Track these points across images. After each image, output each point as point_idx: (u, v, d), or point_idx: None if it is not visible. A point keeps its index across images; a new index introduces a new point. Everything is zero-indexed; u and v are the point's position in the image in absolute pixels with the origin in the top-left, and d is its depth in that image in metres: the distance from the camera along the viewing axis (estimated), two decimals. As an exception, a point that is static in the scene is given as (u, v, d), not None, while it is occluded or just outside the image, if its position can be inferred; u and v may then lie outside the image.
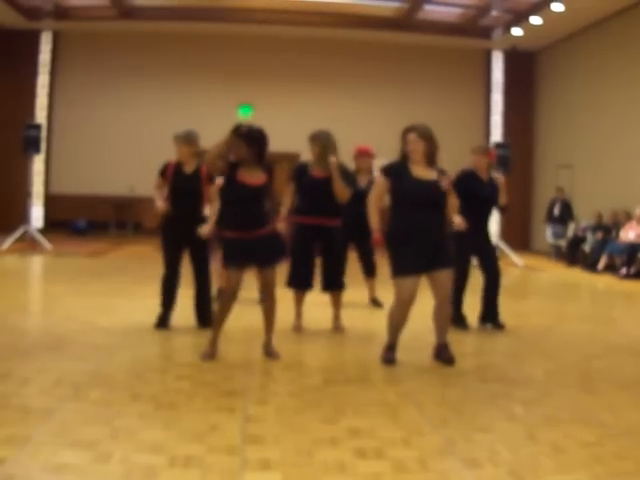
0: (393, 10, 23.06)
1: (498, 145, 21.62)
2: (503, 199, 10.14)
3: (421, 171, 7.79)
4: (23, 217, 20.93)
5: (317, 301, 10.60)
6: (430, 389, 6.95)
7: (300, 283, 9.56)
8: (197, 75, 25.01)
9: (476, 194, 9.63)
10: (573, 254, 20.22)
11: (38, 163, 23.90)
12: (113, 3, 22.46)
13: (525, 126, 25.76)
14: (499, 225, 21.91)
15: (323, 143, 9.37)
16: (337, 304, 9.69)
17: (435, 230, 7.74)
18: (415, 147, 7.78)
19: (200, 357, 7.71)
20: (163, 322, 9.18)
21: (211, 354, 7.73)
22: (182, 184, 9.17)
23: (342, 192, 9.25)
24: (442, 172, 7.89)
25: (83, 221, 24.49)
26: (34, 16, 23.20)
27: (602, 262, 18.54)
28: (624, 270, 17.64)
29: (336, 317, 9.69)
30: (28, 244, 19.83)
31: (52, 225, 24.29)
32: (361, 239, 10.96)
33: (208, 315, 9.17)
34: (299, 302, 9.66)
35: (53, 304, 11.31)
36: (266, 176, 7.79)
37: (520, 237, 24.72)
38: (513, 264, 19.68)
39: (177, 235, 9.18)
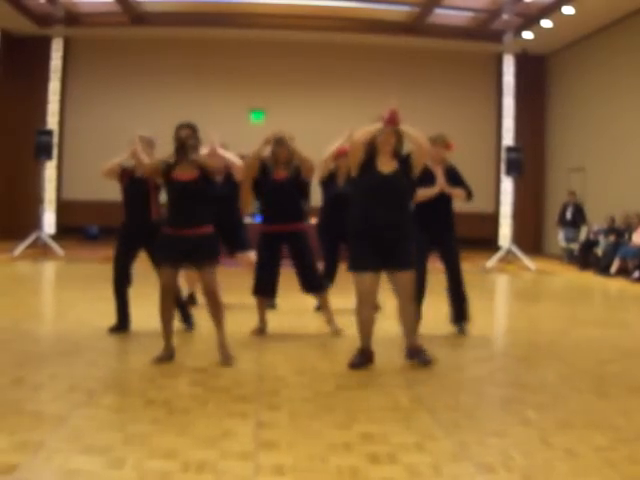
0: (404, 14, 23.06)
1: (510, 149, 21.61)
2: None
3: (386, 163, 7.76)
4: (35, 223, 21.00)
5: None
6: (443, 394, 6.93)
7: (263, 291, 9.49)
8: (209, 81, 25.05)
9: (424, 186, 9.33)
10: (585, 258, 20.18)
11: (50, 169, 23.93)
12: (124, 9, 22.52)
13: (537, 129, 25.73)
14: (511, 229, 21.89)
15: (286, 145, 9.44)
16: (325, 306, 9.64)
17: (393, 227, 7.68)
18: (389, 139, 7.76)
19: (154, 359, 7.76)
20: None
21: (165, 356, 7.83)
22: (135, 189, 9.22)
23: (307, 163, 9.41)
24: (404, 159, 7.89)
25: (95, 227, 24.55)
26: (45, 22, 23.28)
27: (615, 266, 18.48)
28: (637, 273, 17.59)
29: (329, 320, 9.63)
30: (40, 250, 19.87)
31: (64, 231, 24.35)
32: (336, 247, 10.90)
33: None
34: (261, 307, 9.56)
35: (66, 310, 11.33)
36: (198, 172, 7.82)
37: (532, 241, 24.69)
38: (526, 268, 19.66)
39: (132, 243, 9.25)
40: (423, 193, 9.13)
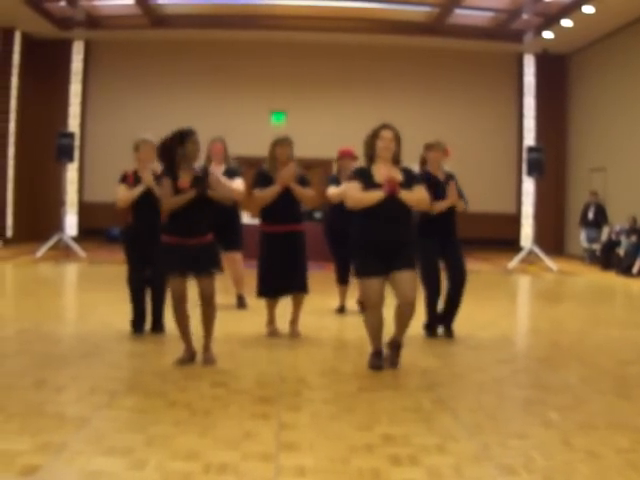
0: (424, 15, 23.03)
1: (531, 149, 21.53)
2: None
3: (385, 172, 7.73)
4: (57, 225, 21.09)
5: (350, 309, 10.67)
6: (464, 395, 6.93)
7: (269, 291, 9.47)
8: (229, 83, 25.08)
9: (435, 195, 9.32)
10: (607, 258, 20.07)
11: (72, 171, 24.05)
12: (144, 12, 22.57)
13: (558, 129, 25.64)
14: (533, 229, 21.81)
15: (292, 146, 9.45)
16: (298, 307, 9.60)
17: (395, 238, 7.67)
18: (389, 145, 7.74)
19: (176, 361, 7.77)
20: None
21: (186, 357, 7.86)
22: (145, 193, 9.18)
23: (311, 200, 9.48)
24: (408, 171, 7.89)
25: (117, 229, 24.59)
26: (66, 26, 23.36)
27: (637, 266, 18.38)
28: (659, 274, 17.51)
29: (293, 321, 9.62)
30: (62, 252, 19.95)
31: (86, 233, 24.43)
32: (343, 245, 10.54)
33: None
34: (271, 308, 9.59)
35: (87, 311, 11.38)
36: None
37: (554, 241, 24.61)
38: (547, 269, 19.58)
39: (142, 246, 9.19)
40: (439, 206, 9.17)
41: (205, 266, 7.80)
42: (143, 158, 9.32)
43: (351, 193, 7.79)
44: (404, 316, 7.76)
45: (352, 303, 11.25)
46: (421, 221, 9.25)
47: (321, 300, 11.15)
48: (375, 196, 7.62)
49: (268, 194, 9.26)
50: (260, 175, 9.41)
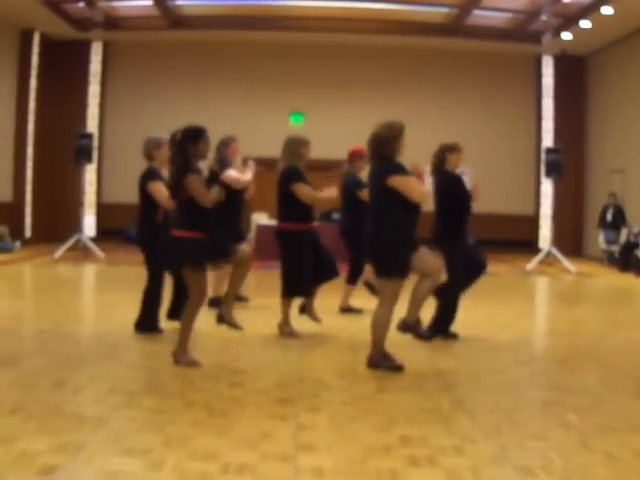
0: (443, 16, 22.98)
1: (550, 150, 21.46)
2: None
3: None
4: (76, 226, 21.10)
5: (367, 308, 10.64)
6: (482, 397, 6.91)
7: (307, 290, 9.59)
8: (247, 84, 25.07)
9: (468, 196, 9.40)
10: (626, 260, 19.97)
11: (90, 172, 24.06)
12: (163, 13, 22.60)
13: (576, 131, 25.53)
14: (551, 231, 21.74)
15: None
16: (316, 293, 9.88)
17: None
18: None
19: (178, 359, 7.75)
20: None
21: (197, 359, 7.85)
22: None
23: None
24: None
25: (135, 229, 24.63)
26: (84, 27, 23.41)
27: (655, 268, 18.32)
28: (678, 276, 17.43)
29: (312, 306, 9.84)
30: (81, 253, 19.99)
31: (104, 234, 24.45)
32: (357, 245, 10.45)
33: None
34: (288, 309, 9.58)
35: (106, 312, 11.41)
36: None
37: (572, 243, 24.49)
38: (566, 270, 19.49)
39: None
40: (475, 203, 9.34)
41: (228, 250, 7.82)
42: (162, 157, 9.34)
43: (421, 187, 7.74)
44: (434, 286, 7.80)
45: (354, 302, 11.35)
46: (455, 222, 9.23)
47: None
48: (422, 184, 7.78)
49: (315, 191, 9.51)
50: (298, 171, 9.43)
